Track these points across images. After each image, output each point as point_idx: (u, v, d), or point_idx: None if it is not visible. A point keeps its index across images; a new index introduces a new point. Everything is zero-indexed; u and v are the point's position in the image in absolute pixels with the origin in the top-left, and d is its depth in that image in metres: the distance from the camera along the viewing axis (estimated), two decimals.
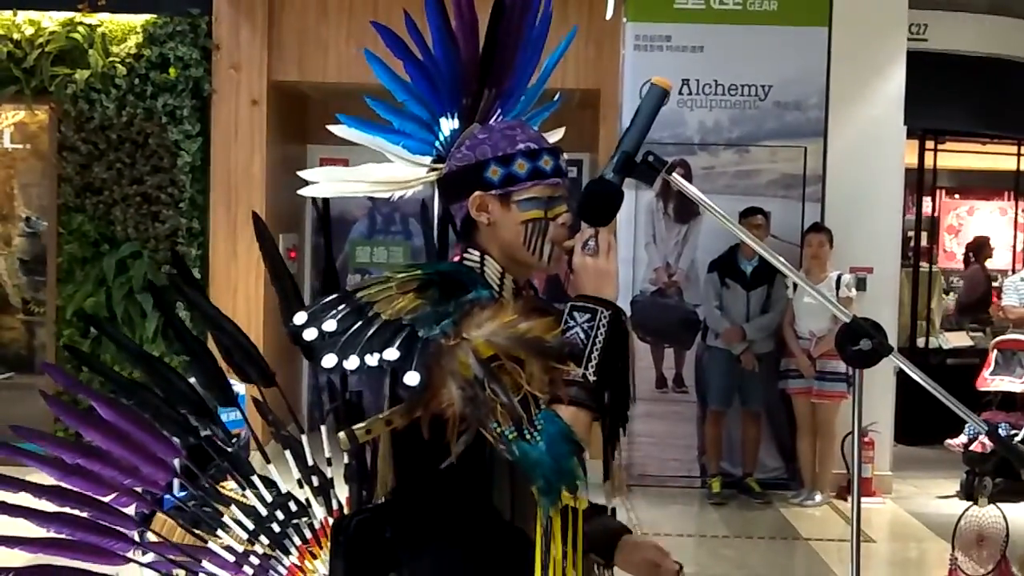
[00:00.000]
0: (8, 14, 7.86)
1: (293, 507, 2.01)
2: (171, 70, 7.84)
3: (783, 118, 7.80)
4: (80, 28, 7.84)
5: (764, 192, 7.82)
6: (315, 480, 2.00)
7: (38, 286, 8.54)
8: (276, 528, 2.00)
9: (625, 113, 7.76)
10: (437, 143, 2.04)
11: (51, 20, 7.88)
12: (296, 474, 2.01)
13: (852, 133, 7.77)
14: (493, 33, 2.05)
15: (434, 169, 2.06)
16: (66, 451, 1.91)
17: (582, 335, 1.83)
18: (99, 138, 7.85)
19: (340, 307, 1.82)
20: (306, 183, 2.12)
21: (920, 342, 9.87)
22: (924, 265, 10.07)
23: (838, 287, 7.32)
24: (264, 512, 1.99)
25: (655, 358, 7.93)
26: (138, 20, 7.90)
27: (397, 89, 2.03)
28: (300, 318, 1.81)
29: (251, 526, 1.99)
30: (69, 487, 1.89)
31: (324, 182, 2.13)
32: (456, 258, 2.01)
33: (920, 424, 8.32)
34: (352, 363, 1.75)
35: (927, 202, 10.55)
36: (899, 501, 7.74)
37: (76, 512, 1.90)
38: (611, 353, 1.86)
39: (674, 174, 2.05)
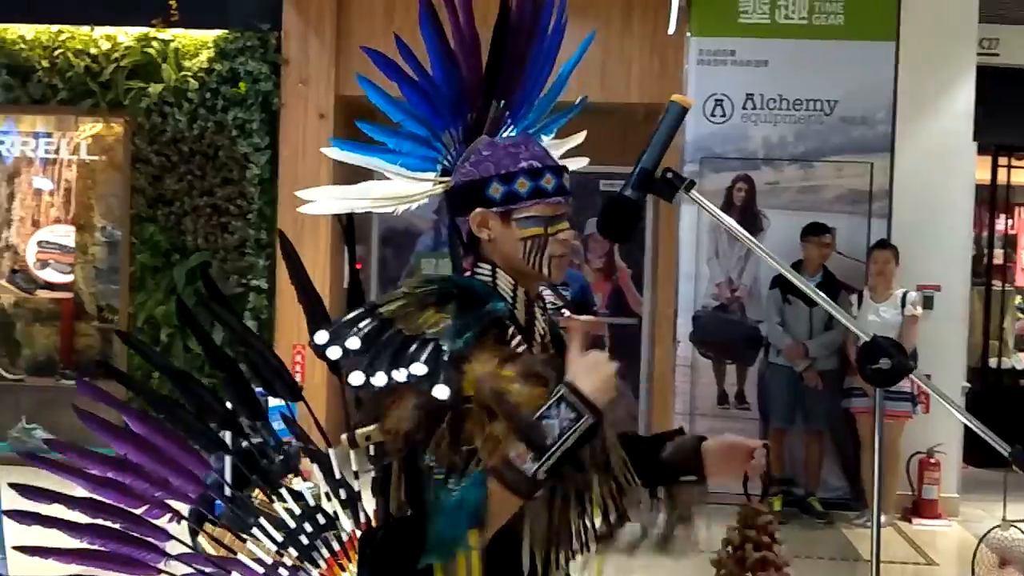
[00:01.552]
0: (86, 29, 8.10)
1: (322, 519, 2.03)
2: (241, 84, 8.01)
3: (849, 133, 7.72)
4: (154, 43, 8.05)
5: (830, 208, 7.74)
6: (343, 493, 2.02)
7: (112, 294, 8.74)
8: (305, 540, 2.02)
9: (688, 127, 7.74)
10: (441, 157, 2.06)
11: (127, 35, 8.10)
12: (324, 487, 2.04)
13: (920, 148, 7.66)
14: (498, 49, 2.07)
15: (441, 182, 2.08)
16: (99, 464, 1.96)
17: (556, 431, 1.79)
18: (171, 150, 8.05)
19: (362, 324, 1.84)
20: (306, 199, 2.17)
21: (992, 362, 9.67)
22: (997, 283, 9.86)
23: (903, 305, 7.21)
24: (293, 524, 2.03)
25: (717, 374, 7.88)
26: (210, 35, 8.10)
27: (392, 111, 2.05)
28: (321, 337, 1.83)
29: (280, 538, 2.03)
30: (102, 499, 1.94)
31: (323, 200, 2.17)
32: (468, 272, 2.03)
33: (990, 446, 8.14)
34: (380, 380, 1.77)
35: (1002, 219, 10.33)
36: (966, 524, 7.58)
37: (109, 524, 1.95)
38: (569, 457, 1.82)
39: (693, 191, 2.05)
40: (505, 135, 2.09)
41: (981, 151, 8.31)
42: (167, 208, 8.10)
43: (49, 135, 8.78)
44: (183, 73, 8.01)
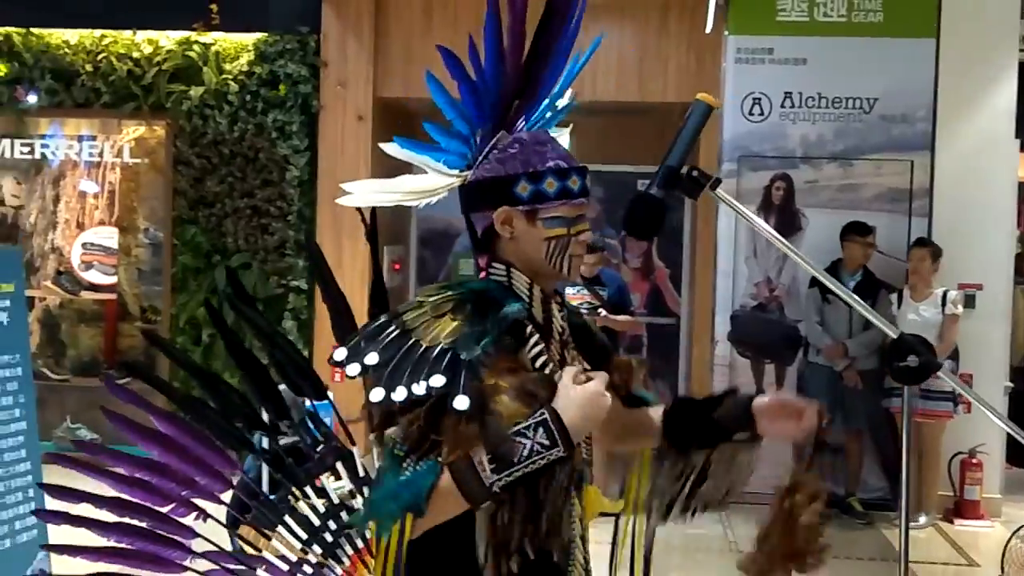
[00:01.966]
0: (128, 33, 8.21)
1: (346, 517, 2.05)
2: (281, 87, 8.08)
3: (889, 131, 7.65)
4: (195, 47, 8.14)
5: (869, 206, 7.68)
6: (367, 491, 2.03)
7: (155, 295, 8.86)
8: (329, 537, 2.04)
9: (726, 126, 7.72)
10: (472, 154, 2.05)
11: (168, 39, 8.20)
12: (348, 485, 2.06)
13: (961, 146, 7.58)
14: (534, 48, 2.06)
15: (460, 176, 2.07)
16: (127, 464, 2.00)
17: (525, 451, 1.81)
18: (212, 153, 8.13)
19: (379, 338, 1.85)
20: (347, 193, 2.17)
21: None
22: None
23: (944, 304, 7.15)
24: (317, 522, 2.05)
25: (755, 374, 7.84)
26: (250, 39, 8.17)
27: (448, 109, 2.05)
28: (340, 354, 1.85)
29: (304, 535, 2.05)
30: (129, 498, 1.97)
31: (360, 192, 2.19)
32: (482, 273, 2.03)
33: None
34: (400, 394, 1.78)
35: None
36: (1008, 525, 7.48)
37: (135, 522, 1.98)
38: (529, 480, 1.83)
39: (719, 189, 2.06)
40: (521, 131, 2.07)
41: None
42: (208, 210, 8.19)
43: (93, 138, 8.92)
44: (224, 76, 8.10)
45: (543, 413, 1.84)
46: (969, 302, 7.49)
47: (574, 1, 2.08)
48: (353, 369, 1.83)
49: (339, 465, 2.06)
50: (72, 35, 8.28)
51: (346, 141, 8.12)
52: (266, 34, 8.16)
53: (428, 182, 2.08)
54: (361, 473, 2.04)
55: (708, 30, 7.65)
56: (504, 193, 1.98)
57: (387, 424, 1.87)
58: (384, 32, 8.21)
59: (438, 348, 1.81)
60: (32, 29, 8.30)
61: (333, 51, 8.18)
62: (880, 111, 7.63)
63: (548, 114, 2.16)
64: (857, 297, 2.16)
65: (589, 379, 1.90)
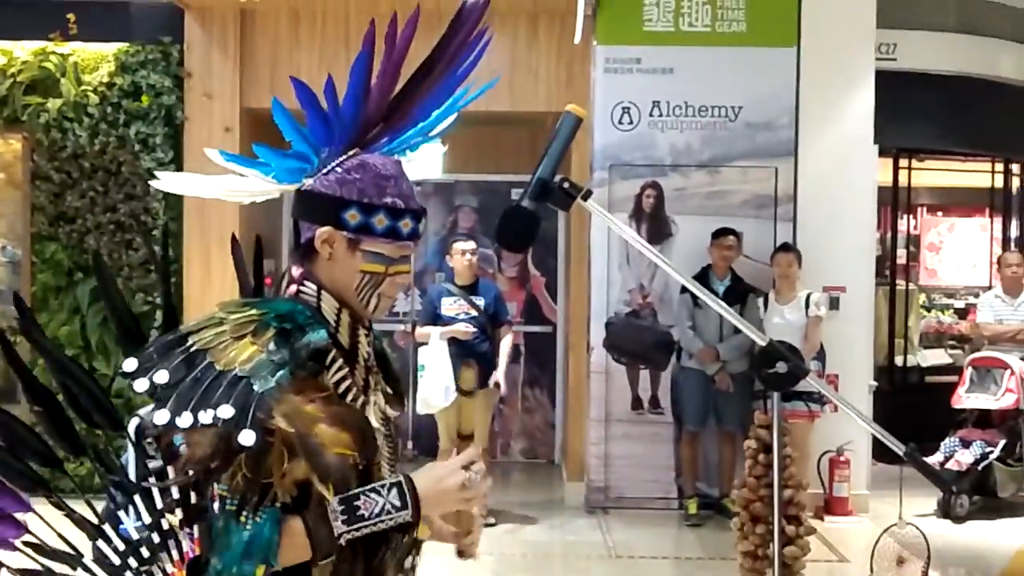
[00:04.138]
0: None
1: (145, 553, 1.94)
2: (143, 98, 7.86)
3: (754, 138, 7.83)
4: (52, 57, 7.86)
5: (736, 212, 7.84)
6: (164, 524, 1.94)
7: (9, 316, 8.51)
8: None
9: (597, 135, 7.79)
10: (310, 170, 2.00)
11: (23, 50, 7.90)
12: (147, 519, 1.96)
13: (823, 152, 7.80)
14: (411, 85, 2.04)
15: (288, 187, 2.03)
16: None
17: (376, 509, 1.83)
18: (72, 167, 7.87)
19: (172, 354, 1.77)
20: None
21: (899, 360, 9.88)
22: (901, 283, 10.08)
23: (808, 306, 7.33)
24: (117, 561, 1.94)
25: (631, 379, 7.92)
26: (110, 49, 7.93)
27: (290, 131, 1.99)
28: (130, 364, 1.77)
29: None
30: None
31: (174, 181, 2.17)
32: (292, 287, 1.98)
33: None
34: (185, 420, 1.71)
35: (907, 220, 10.57)
36: (876, 520, 7.70)
37: None
38: (374, 543, 1.87)
39: (590, 200, 2.06)
40: (378, 153, 2.04)
41: (883, 154, 8.49)
42: (69, 226, 7.91)
43: None
44: (83, 87, 7.83)
45: (399, 477, 1.88)
46: (833, 304, 7.71)
47: (467, 48, 2.06)
48: (141, 385, 1.75)
49: (136, 499, 1.96)
50: None
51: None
52: (127, 44, 7.93)
53: (252, 185, 2.04)
54: (159, 506, 1.95)
55: (576, 40, 7.71)
56: (333, 214, 1.94)
57: (168, 448, 1.82)
58: (249, 42, 8.07)
59: (231, 374, 1.75)
60: None
61: (197, 61, 8.00)
62: (745, 119, 7.80)
63: (415, 140, 2.13)
64: (725, 304, 2.17)
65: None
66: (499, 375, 7.30)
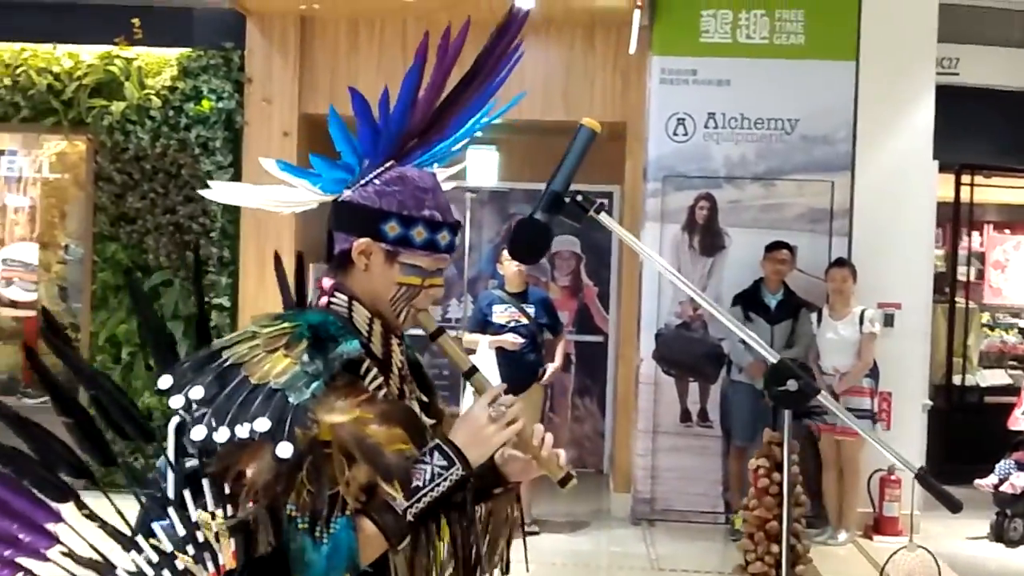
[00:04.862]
0: (48, 47, 8.07)
1: (180, 565, 1.88)
2: (204, 102, 7.99)
3: (810, 152, 7.76)
4: (117, 61, 8.03)
5: (791, 226, 7.77)
6: (199, 536, 1.94)
7: (76, 312, 8.71)
8: None
9: (651, 146, 7.78)
10: (351, 180, 2.02)
11: (89, 54, 8.07)
12: (182, 531, 1.95)
13: (880, 167, 7.70)
14: (451, 96, 2.04)
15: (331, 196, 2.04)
16: None
17: (427, 475, 1.84)
18: (134, 168, 8.02)
19: (206, 369, 1.78)
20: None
21: (956, 379, 9.71)
22: (961, 301, 9.90)
23: (862, 322, 7.24)
24: (151, 573, 1.93)
25: (680, 392, 7.89)
26: (173, 54, 8.07)
27: (341, 142, 2.00)
28: (165, 381, 1.78)
29: None
30: None
31: (223, 191, 2.19)
32: (324, 299, 1.99)
33: (952, 463, 8.18)
34: (222, 435, 1.72)
35: (970, 237, 10.38)
36: (926, 541, 7.58)
37: None
38: (441, 506, 1.87)
39: (602, 214, 2.07)
40: (413, 166, 2.05)
41: (944, 169, 8.37)
42: (130, 226, 8.06)
43: (14, 153, 8.77)
44: (146, 91, 7.99)
45: (435, 439, 1.89)
46: (888, 321, 7.60)
47: (505, 61, 2.07)
48: (176, 401, 1.76)
49: (170, 510, 1.96)
50: None
51: (272, 157, 8.00)
52: (190, 49, 8.07)
53: (297, 196, 2.06)
54: (193, 518, 1.95)
55: (632, 51, 7.71)
56: (372, 225, 1.96)
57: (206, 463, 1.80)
58: (309, 48, 8.18)
59: (266, 387, 1.75)
60: None
61: (258, 67, 8.12)
62: (801, 132, 7.74)
63: (446, 151, 2.14)
64: (733, 319, 2.16)
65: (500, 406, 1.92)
66: (548, 369, 7.31)
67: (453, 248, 2.03)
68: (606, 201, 9.13)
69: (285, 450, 1.70)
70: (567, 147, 2.08)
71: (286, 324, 1.86)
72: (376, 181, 1.98)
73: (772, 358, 2.08)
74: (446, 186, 2.13)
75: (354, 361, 1.88)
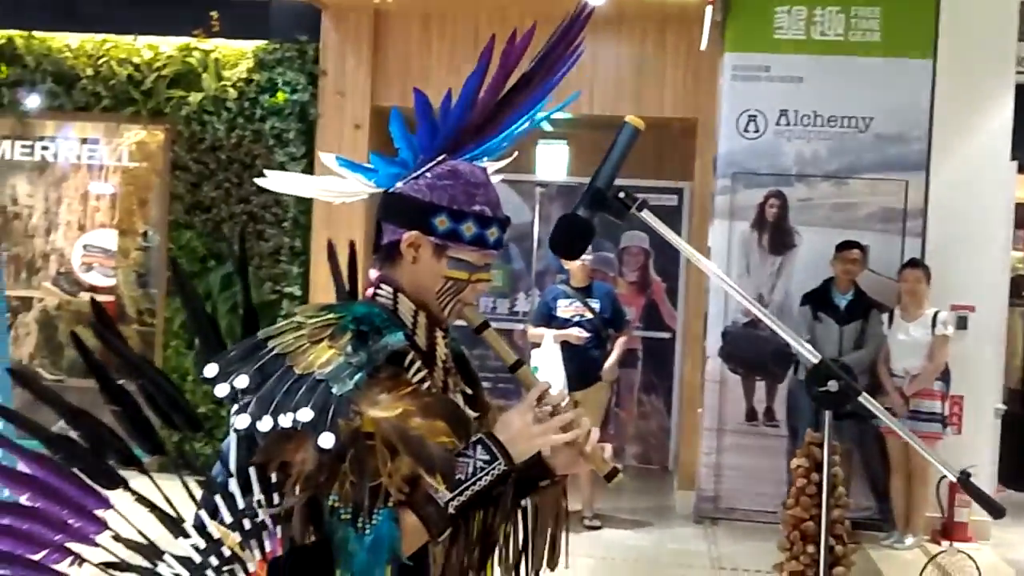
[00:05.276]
0: (129, 39, 8.27)
1: (227, 552, 1.91)
2: (279, 94, 8.12)
3: (884, 150, 7.64)
4: (195, 53, 8.20)
5: (863, 225, 7.66)
6: (247, 524, 1.98)
7: (152, 298, 8.90)
8: (211, 574, 1.89)
9: (721, 142, 7.73)
10: (405, 175, 2.02)
11: (169, 45, 8.26)
12: (228, 518, 1.97)
13: (956, 167, 7.56)
14: (510, 95, 2.05)
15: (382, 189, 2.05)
16: None
17: (469, 469, 1.85)
18: (209, 158, 8.18)
19: (252, 358, 1.80)
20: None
21: None
22: None
23: (934, 324, 7.12)
24: (199, 559, 1.92)
25: (746, 390, 7.83)
26: (249, 46, 8.23)
27: (399, 139, 2.03)
28: (211, 370, 1.80)
29: (186, 574, 1.91)
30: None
31: (278, 180, 2.19)
32: (370, 290, 2.01)
33: None
34: (265, 424, 1.73)
35: None
36: (998, 548, 7.46)
37: (6, 572, 1.87)
38: (482, 501, 1.88)
39: (644, 211, 2.07)
40: (465, 160, 2.06)
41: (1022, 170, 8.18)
42: (204, 215, 8.24)
43: (96, 141, 8.98)
44: (222, 82, 8.15)
45: (479, 434, 1.89)
46: (961, 323, 7.46)
47: (565, 59, 2.07)
48: (221, 390, 1.78)
49: (217, 498, 2.00)
50: (74, 39, 8.36)
51: (343, 149, 8.14)
52: (265, 42, 8.22)
53: (349, 187, 2.08)
54: (240, 506, 1.98)
55: (703, 47, 7.66)
56: (422, 219, 1.96)
57: (249, 452, 1.83)
58: (382, 42, 8.27)
59: (310, 378, 1.77)
60: (34, 33, 8.37)
61: (332, 60, 8.23)
62: (876, 130, 7.62)
63: (497, 147, 2.14)
64: (776, 319, 2.16)
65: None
66: (605, 366, 7.31)
67: (501, 244, 2.03)
68: (676, 197, 9.10)
69: (327, 440, 1.72)
70: (611, 145, 2.09)
71: (331, 315, 1.88)
72: (428, 175, 1.98)
73: (813, 359, 2.08)
74: (494, 179, 2.14)
75: (398, 353, 1.88)
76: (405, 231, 1.97)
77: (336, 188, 2.12)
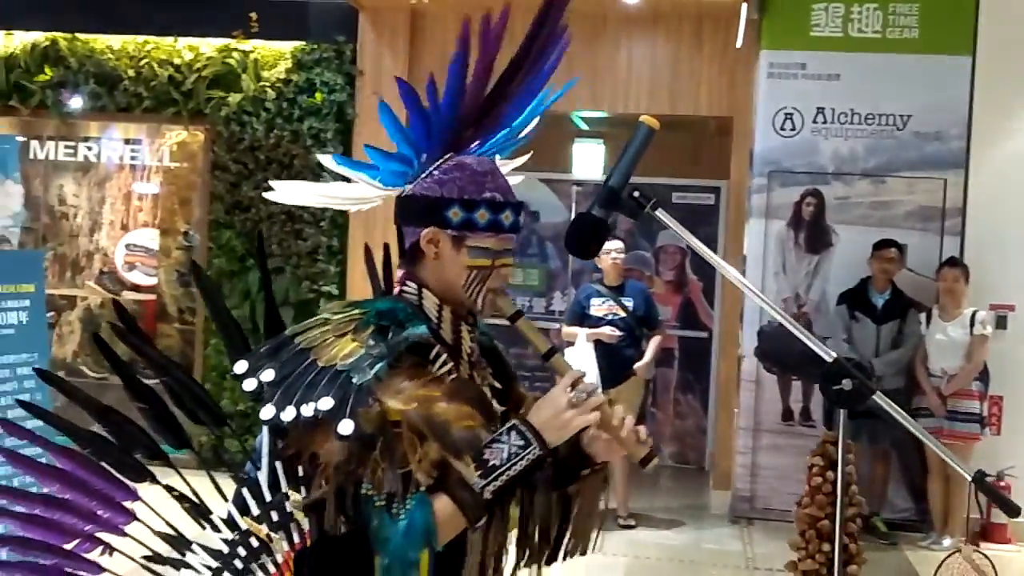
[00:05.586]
0: (169, 40, 8.38)
1: (255, 542, 1.96)
2: (317, 95, 8.19)
3: (922, 149, 7.58)
4: (234, 54, 8.29)
5: (901, 224, 7.61)
6: (274, 515, 1.96)
7: (193, 297, 9.02)
8: (239, 564, 1.95)
9: (757, 140, 7.70)
10: (411, 174, 2.06)
11: (208, 46, 8.36)
12: (257, 511, 2.02)
13: (996, 165, 7.48)
14: (500, 84, 2.06)
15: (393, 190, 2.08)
16: (25, 501, 1.96)
17: (504, 455, 1.87)
18: (248, 158, 8.27)
19: (279, 354, 1.86)
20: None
21: None
22: None
23: (973, 324, 7.06)
24: (227, 550, 1.97)
25: (782, 390, 7.80)
26: (288, 47, 8.30)
27: (394, 133, 2.05)
28: (241, 367, 1.87)
29: (215, 564, 1.96)
30: (30, 536, 1.94)
31: (286, 191, 2.21)
32: (396, 288, 2.06)
33: None
34: (288, 414, 1.79)
35: None
36: None
37: (40, 560, 1.94)
38: (518, 486, 1.90)
39: (659, 211, 2.08)
40: (471, 155, 2.09)
41: None
42: (244, 214, 8.32)
43: (138, 142, 9.12)
44: (261, 83, 8.23)
45: (512, 420, 1.92)
46: (1000, 323, 7.40)
47: (551, 45, 2.09)
48: (249, 384, 1.85)
49: (243, 491, 2.04)
50: (115, 41, 8.47)
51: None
52: (304, 43, 8.30)
53: (359, 192, 2.11)
54: (267, 498, 2.02)
55: (739, 45, 7.64)
56: (436, 214, 2.00)
57: (278, 442, 1.89)
58: (419, 42, 8.31)
59: (332, 369, 1.82)
60: (77, 35, 8.50)
61: (369, 61, 8.29)
62: (913, 128, 7.56)
63: (505, 142, 2.17)
64: (784, 313, 2.16)
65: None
66: (640, 364, 7.30)
67: (518, 227, 2.06)
68: (713, 196, 9.07)
69: (346, 427, 1.77)
70: (626, 144, 2.10)
71: (356, 311, 1.94)
72: (435, 172, 2.02)
73: (828, 357, 2.08)
74: (514, 179, 2.16)
75: (423, 346, 1.93)
76: (422, 229, 2.01)
77: (346, 194, 2.15)
